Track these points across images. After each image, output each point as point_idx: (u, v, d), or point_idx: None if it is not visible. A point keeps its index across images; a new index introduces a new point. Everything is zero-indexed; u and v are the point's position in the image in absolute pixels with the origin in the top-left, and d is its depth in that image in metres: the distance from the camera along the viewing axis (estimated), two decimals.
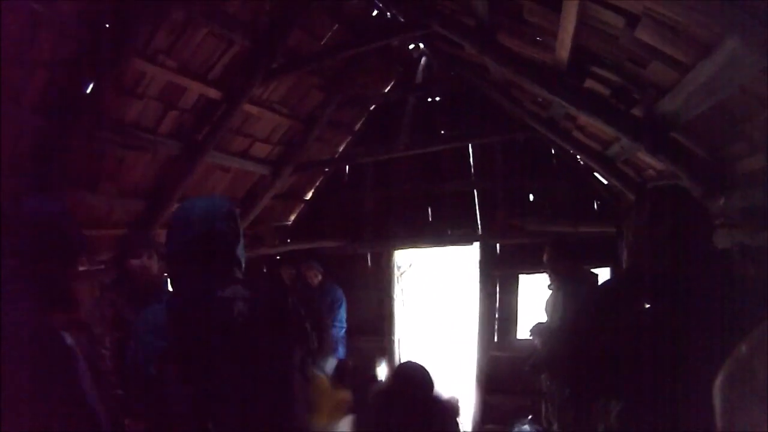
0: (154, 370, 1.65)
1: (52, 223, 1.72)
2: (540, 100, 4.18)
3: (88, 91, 3.43)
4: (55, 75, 3.23)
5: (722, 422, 0.88)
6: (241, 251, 1.88)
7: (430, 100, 6.39)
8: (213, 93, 4.36)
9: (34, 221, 1.69)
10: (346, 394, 4.83)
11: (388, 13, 5.20)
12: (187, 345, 1.65)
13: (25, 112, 3.20)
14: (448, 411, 3.28)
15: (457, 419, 3.41)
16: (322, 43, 5.01)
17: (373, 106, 6.72)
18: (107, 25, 3.25)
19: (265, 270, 6.92)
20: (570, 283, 3.94)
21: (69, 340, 1.66)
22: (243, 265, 1.88)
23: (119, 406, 2.47)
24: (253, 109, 4.96)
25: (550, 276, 4.28)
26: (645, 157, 3.41)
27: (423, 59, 6.25)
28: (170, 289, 2.75)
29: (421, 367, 3.33)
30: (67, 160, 3.58)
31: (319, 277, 5.93)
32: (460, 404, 3.49)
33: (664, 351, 1.45)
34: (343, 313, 5.95)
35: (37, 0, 2.81)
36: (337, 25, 5.03)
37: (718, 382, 0.91)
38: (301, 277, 5.98)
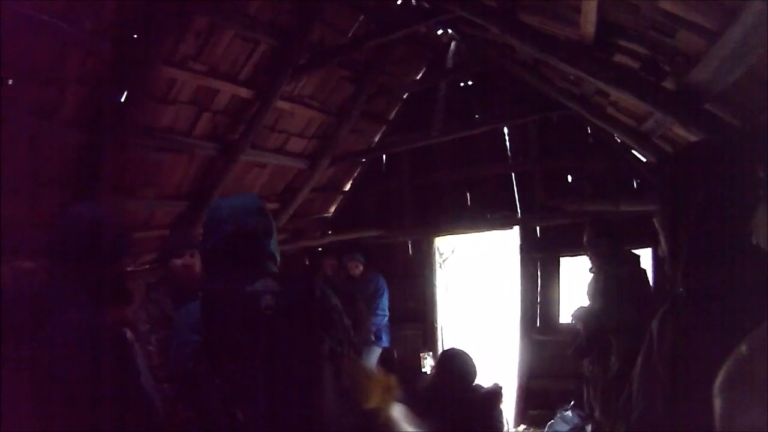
0: (191, 365, 1.71)
1: (96, 227, 1.82)
2: (571, 77, 4.08)
3: (122, 101, 3.56)
4: (88, 90, 3.38)
5: (722, 423, 0.87)
6: (274, 246, 1.92)
7: (462, 84, 6.31)
8: (244, 92, 4.44)
9: (80, 227, 1.81)
10: (392, 380, 4.87)
11: (413, 0, 5.17)
12: (218, 339, 1.70)
13: (61, 128, 3.34)
14: (491, 398, 3.28)
15: (500, 406, 3.41)
16: (348, 35, 5.03)
17: (405, 95, 6.69)
18: (134, 37, 3.36)
19: (307, 262, 7.02)
20: (611, 264, 3.84)
21: (129, 334, 1.79)
22: (277, 258, 1.92)
23: (167, 399, 2.62)
24: (286, 105, 5.03)
25: (590, 257, 4.17)
26: (681, 131, 3.29)
27: (452, 44, 6.18)
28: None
29: (464, 353, 3.34)
30: (107, 169, 3.73)
31: (361, 268, 5.93)
32: (502, 391, 3.47)
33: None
34: (385, 302, 5.92)
35: (64, 20, 2.92)
36: (362, 17, 5.03)
37: (718, 382, 0.89)
38: (344, 268, 5.99)
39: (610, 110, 4.16)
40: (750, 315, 1.04)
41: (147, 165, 4.19)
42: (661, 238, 1.55)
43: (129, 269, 4.20)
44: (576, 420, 4.62)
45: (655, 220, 1.58)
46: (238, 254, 1.82)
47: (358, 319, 5.02)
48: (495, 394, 3.33)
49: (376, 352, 5.55)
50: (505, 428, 3.39)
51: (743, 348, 0.87)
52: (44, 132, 3.30)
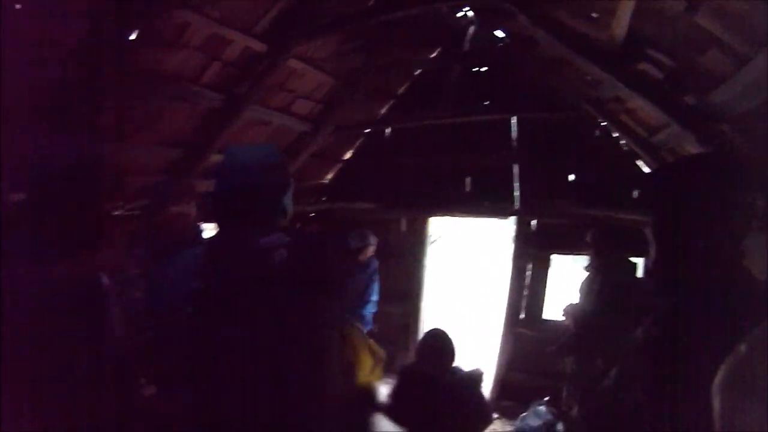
0: (187, 310, 1.67)
1: (82, 162, 1.75)
2: (589, 78, 4.03)
3: (130, 39, 3.45)
4: (96, 25, 3.25)
5: (722, 422, 0.87)
6: (288, 201, 1.87)
7: (476, 70, 6.23)
8: (258, 46, 4.33)
9: (65, 159, 1.72)
10: (381, 351, 4.88)
11: None
12: (224, 288, 1.65)
13: (62, 61, 3.24)
14: (472, 380, 3.31)
15: (481, 389, 3.43)
16: (369, 4, 4.91)
17: (417, 72, 6.60)
18: None
19: (297, 226, 6.99)
20: (611, 267, 3.89)
21: (105, 280, 1.73)
22: (288, 215, 1.88)
23: (149, 347, 2.59)
24: (298, 65, 4.93)
25: (591, 258, 4.20)
26: (690, 148, 3.27)
27: (471, 28, 6.07)
28: (209, 234, 2.81)
29: (446, 334, 3.37)
30: (105, 108, 3.63)
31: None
32: (483, 376, 3.50)
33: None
34: (377, 287, 5.57)
35: None
36: None
37: (718, 382, 0.89)
38: (354, 252, 5.45)
39: (624, 117, 4.13)
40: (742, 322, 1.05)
41: (148, 109, 4.08)
42: (651, 250, 1.55)
43: (117, 213, 4.14)
44: (548, 416, 4.68)
45: (645, 231, 1.56)
46: (252, 204, 1.77)
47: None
48: (477, 376, 3.35)
49: None
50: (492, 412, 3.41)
51: (743, 348, 0.88)
52: (44, 64, 3.18)
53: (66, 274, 1.60)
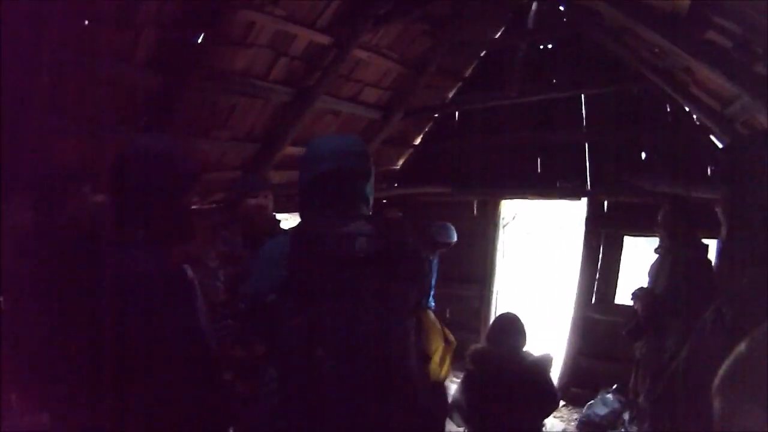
0: (273, 299, 1.70)
1: (162, 159, 1.81)
2: (656, 49, 3.88)
3: (198, 43, 3.64)
4: (163, 32, 3.46)
5: (721, 423, 0.88)
6: (370, 189, 1.90)
7: (541, 47, 6.09)
8: (322, 39, 4.46)
9: (146, 157, 1.79)
10: (451, 337, 4.94)
11: None
12: (306, 277, 1.68)
13: (137, 70, 3.48)
14: (542, 365, 3.32)
15: (550, 375, 3.44)
16: None
17: (483, 53, 6.53)
18: None
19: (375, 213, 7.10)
20: (682, 249, 3.74)
21: (189, 272, 1.82)
22: (371, 202, 1.91)
23: (231, 336, 2.70)
24: (363, 54, 5.03)
25: (661, 237, 4.04)
26: (764, 120, 3.10)
27: (534, 4, 5.92)
28: (287, 225, 2.91)
29: (517, 318, 3.39)
30: (180, 110, 3.86)
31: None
32: (552, 361, 3.50)
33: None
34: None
35: None
36: None
37: (718, 382, 0.90)
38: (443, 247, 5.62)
39: (694, 89, 3.95)
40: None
41: (221, 107, 4.31)
42: (723, 230, 1.51)
43: (196, 207, 4.36)
44: (615, 405, 4.58)
45: (717, 209, 1.52)
46: (334, 193, 1.80)
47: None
48: (546, 360, 3.36)
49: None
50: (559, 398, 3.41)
51: (743, 348, 0.88)
52: (120, 74, 3.41)
53: (157, 267, 1.69)
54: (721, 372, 0.89)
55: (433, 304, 5.49)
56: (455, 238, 5.53)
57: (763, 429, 0.80)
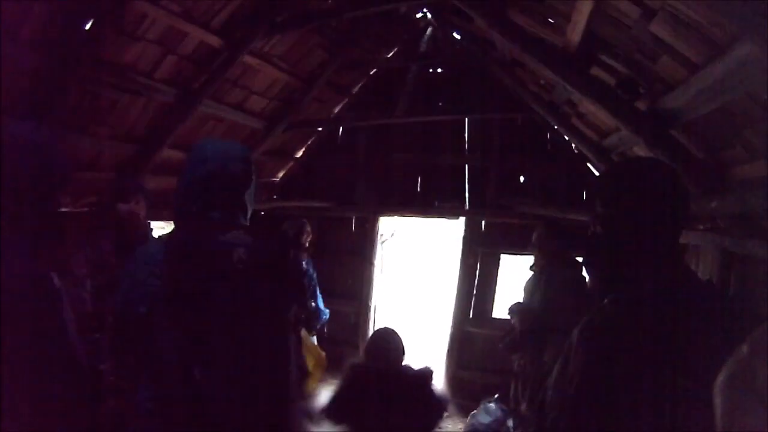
0: (146, 309, 1.60)
1: (33, 150, 1.61)
2: (543, 82, 4.16)
3: (87, 28, 3.33)
4: (54, 11, 3.12)
5: (722, 423, 0.89)
6: (249, 198, 1.85)
7: (431, 70, 6.32)
8: (214, 41, 4.25)
9: (14, 147, 1.57)
10: (322, 353, 4.88)
11: None
12: (182, 285, 1.61)
13: (22, 48, 3.09)
14: (424, 378, 3.34)
15: (432, 386, 3.47)
16: (328, 1, 4.91)
17: (373, 71, 6.63)
18: None
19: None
20: (555, 266, 3.99)
21: (56, 280, 1.61)
22: (249, 212, 1.85)
23: (97, 350, 2.48)
24: (253, 61, 4.86)
25: (535, 257, 4.30)
26: (640, 152, 3.42)
27: (429, 29, 6.16)
28: (158, 232, 2.72)
29: (395, 332, 3.39)
30: (61, 100, 3.49)
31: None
32: (434, 374, 3.55)
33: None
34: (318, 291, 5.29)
35: None
36: None
37: (719, 382, 0.91)
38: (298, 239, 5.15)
39: (575, 121, 4.28)
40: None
41: (102, 102, 3.94)
42: (592, 249, 1.60)
43: (66, 209, 3.97)
44: (499, 413, 4.76)
45: (589, 231, 1.61)
46: (214, 198, 1.74)
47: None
48: (427, 373, 3.39)
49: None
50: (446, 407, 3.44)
51: (743, 348, 0.90)
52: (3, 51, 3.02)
53: (19, 273, 1.49)
54: (722, 372, 0.91)
55: (327, 312, 5.33)
56: (307, 227, 5.29)
57: (765, 430, 0.82)
